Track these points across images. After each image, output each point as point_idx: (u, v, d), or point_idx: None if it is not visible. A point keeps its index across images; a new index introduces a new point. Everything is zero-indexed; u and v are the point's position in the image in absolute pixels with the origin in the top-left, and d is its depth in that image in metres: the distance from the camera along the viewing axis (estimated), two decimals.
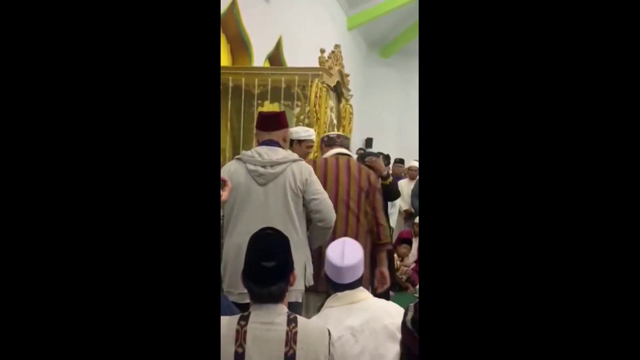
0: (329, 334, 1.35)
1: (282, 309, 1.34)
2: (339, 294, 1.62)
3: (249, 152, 2.23)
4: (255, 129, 2.42)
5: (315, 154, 3.39)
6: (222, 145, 3.70)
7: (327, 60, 3.57)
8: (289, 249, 1.41)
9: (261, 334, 1.28)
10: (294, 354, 1.27)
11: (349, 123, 4.25)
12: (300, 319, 1.35)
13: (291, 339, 1.28)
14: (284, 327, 1.30)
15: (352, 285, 1.62)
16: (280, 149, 2.23)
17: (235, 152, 3.55)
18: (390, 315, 1.59)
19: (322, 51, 3.54)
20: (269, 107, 3.92)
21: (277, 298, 1.34)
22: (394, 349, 1.53)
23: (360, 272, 1.65)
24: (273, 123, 2.28)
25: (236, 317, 1.34)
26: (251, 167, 2.16)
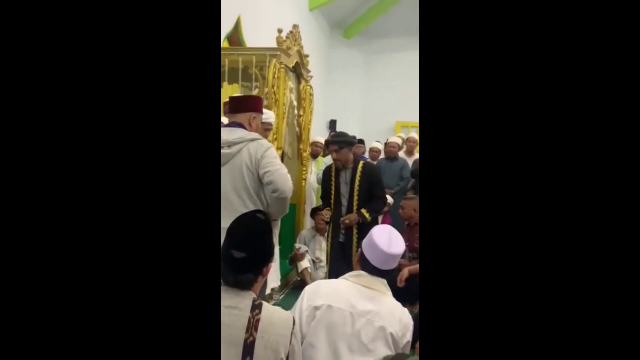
0: (293, 323, 1.33)
1: (249, 295, 1.31)
2: (363, 272, 1.63)
3: None
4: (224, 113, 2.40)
5: (275, 135, 3.37)
6: None
7: (285, 41, 3.52)
8: (267, 240, 1.37)
9: (223, 318, 1.25)
10: (253, 342, 1.24)
11: (310, 104, 4.23)
12: (266, 307, 1.31)
13: (252, 325, 1.25)
14: (247, 313, 1.26)
15: (384, 274, 1.63)
16: (239, 129, 2.20)
17: None
18: (397, 323, 1.58)
19: (280, 31, 3.50)
20: (227, 88, 3.85)
21: (244, 285, 1.31)
22: (384, 352, 1.53)
23: (396, 263, 1.64)
24: (237, 106, 2.27)
25: None
26: None
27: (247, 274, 1.31)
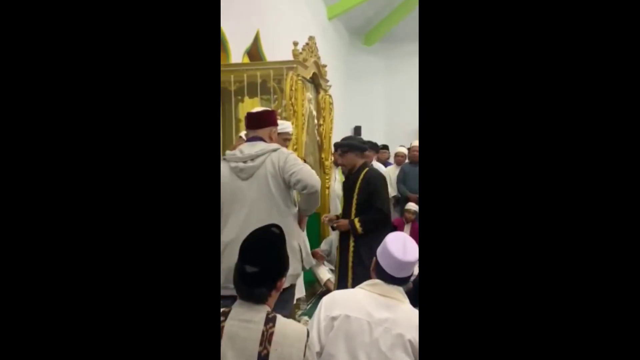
0: (307, 336, 1.34)
1: (263, 309, 1.33)
2: (378, 281, 1.63)
3: (231, 151, 2.31)
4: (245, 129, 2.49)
5: (295, 146, 3.43)
6: None
7: (301, 53, 3.59)
8: (281, 254, 1.39)
9: (237, 331, 1.28)
10: (267, 355, 1.25)
11: (330, 113, 4.28)
12: (280, 320, 1.32)
13: (266, 339, 1.27)
14: (261, 327, 1.28)
15: (400, 282, 1.62)
16: (260, 142, 2.28)
17: None
18: (415, 329, 1.56)
19: (295, 44, 3.56)
20: (248, 102, 3.95)
21: (258, 299, 1.33)
22: (403, 359, 1.53)
23: (412, 270, 1.63)
24: (256, 121, 2.36)
25: None
26: (233, 164, 2.23)
27: (261, 288, 1.33)
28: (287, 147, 2.98)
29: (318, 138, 4.10)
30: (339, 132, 6.05)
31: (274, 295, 1.38)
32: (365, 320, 1.56)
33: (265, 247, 1.36)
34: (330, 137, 4.31)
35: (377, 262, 1.67)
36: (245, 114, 2.48)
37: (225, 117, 3.63)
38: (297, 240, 2.24)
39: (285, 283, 1.96)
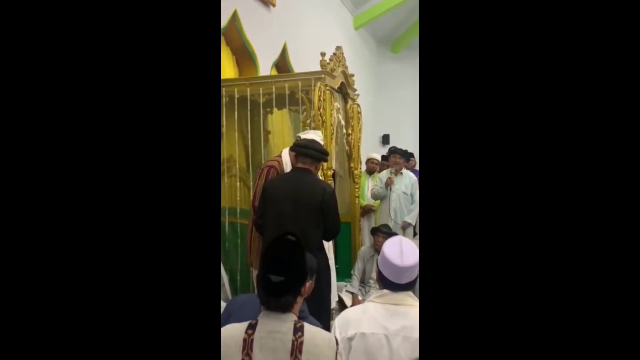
0: (337, 343, 1.34)
1: (290, 318, 1.34)
2: (386, 291, 1.59)
3: None
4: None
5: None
6: (233, 155, 3.78)
7: (328, 63, 3.60)
8: (301, 260, 1.39)
9: (267, 343, 1.28)
10: None
11: (358, 122, 4.27)
12: (308, 328, 1.33)
13: (297, 348, 1.27)
14: (290, 337, 1.29)
15: (406, 287, 1.58)
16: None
17: (246, 160, 3.62)
18: None
19: (323, 54, 3.58)
20: (277, 113, 3.98)
21: (284, 308, 1.34)
22: None
23: (416, 273, 1.59)
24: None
25: (244, 325, 1.35)
26: None
27: (287, 296, 1.34)
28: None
29: (347, 147, 4.09)
30: (368, 140, 6.03)
31: (299, 302, 1.39)
32: (382, 334, 1.53)
33: (286, 255, 1.37)
34: (359, 147, 4.30)
35: (379, 272, 1.63)
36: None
37: (255, 129, 3.67)
38: None
39: None
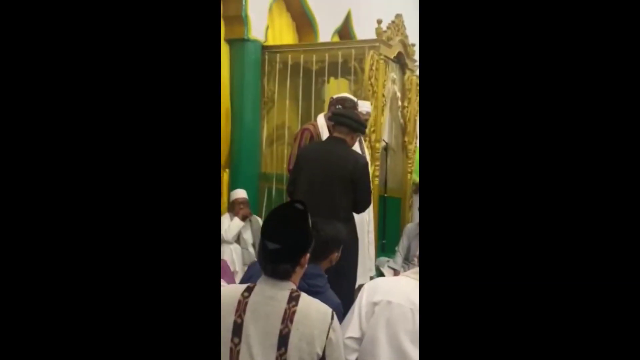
0: (332, 318, 1.31)
1: (288, 286, 1.32)
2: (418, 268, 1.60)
3: None
4: None
5: (373, 128, 3.34)
6: (285, 122, 3.79)
7: (385, 31, 3.46)
8: (303, 230, 1.36)
9: (260, 308, 1.28)
10: (288, 333, 1.24)
11: (416, 95, 4.10)
12: (304, 299, 1.31)
13: (288, 317, 1.26)
14: (284, 305, 1.28)
15: None
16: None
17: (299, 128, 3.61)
18: None
19: (379, 22, 3.44)
20: (333, 83, 3.91)
21: (281, 276, 1.32)
22: None
23: None
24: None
25: (242, 287, 1.36)
26: None
27: (284, 264, 1.31)
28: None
29: (402, 120, 3.95)
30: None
31: (299, 272, 1.36)
32: (408, 307, 1.51)
33: (287, 223, 1.34)
34: (415, 120, 4.13)
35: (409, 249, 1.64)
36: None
37: (307, 97, 3.64)
38: None
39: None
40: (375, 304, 1.54)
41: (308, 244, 1.37)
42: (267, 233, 1.33)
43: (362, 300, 1.58)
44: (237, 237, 3.27)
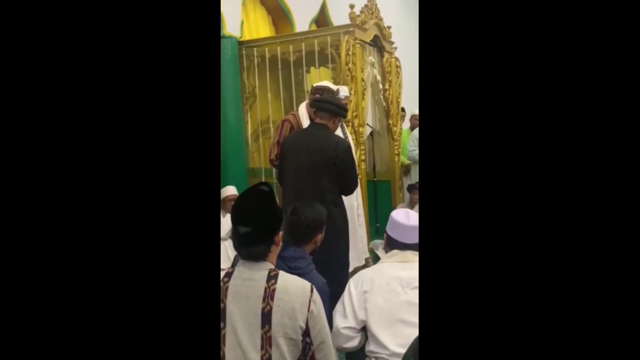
0: (311, 291, 1.35)
1: (265, 266, 1.36)
2: (395, 251, 1.73)
3: None
4: None
5: (355, 113, 3.35)
6: (269, 116, 3.80)
7: (358, 15, 3.47)
8: (272, 210, 1.40)
9: (240, 290, 1.32)
10: (270, 310, 1.28)
11: (397, 77, 4.11)
12: (282, 276, 1.35)
13: (269, 295, 1.30)
14: (263, 284, 1.31)
15: (412, 247, 1.72)
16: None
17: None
18: None
19: (352, 7, 3.45)
20: (314, 72, 3.92)
21: (257, 257, 1.35)
22: None
23: (417, 236, 1.74)
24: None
25: (222, 274, 1.38)
26: None
27: (259, 245, 1.35)
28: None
29: (384, 103, 3.97)
30: (411, 95, 5.79)
31: (274, 250, 1.40)
32: (396, 283, 1.64)
33: (255, 206, 1.37)
34: (398, 102, 4.15)
35: (387, 237, 1.79)
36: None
37: (288, 89, 3.65)
38: None
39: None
40: (365, 291, 1.66)
41: (278, 223, 1.40)
42: (237, 218, 1.36)
43: (351, 292, 1.69)
44: (230, 233, 3.28)
